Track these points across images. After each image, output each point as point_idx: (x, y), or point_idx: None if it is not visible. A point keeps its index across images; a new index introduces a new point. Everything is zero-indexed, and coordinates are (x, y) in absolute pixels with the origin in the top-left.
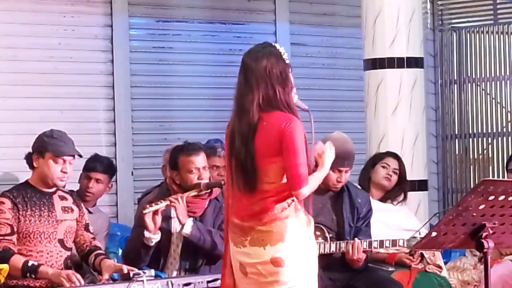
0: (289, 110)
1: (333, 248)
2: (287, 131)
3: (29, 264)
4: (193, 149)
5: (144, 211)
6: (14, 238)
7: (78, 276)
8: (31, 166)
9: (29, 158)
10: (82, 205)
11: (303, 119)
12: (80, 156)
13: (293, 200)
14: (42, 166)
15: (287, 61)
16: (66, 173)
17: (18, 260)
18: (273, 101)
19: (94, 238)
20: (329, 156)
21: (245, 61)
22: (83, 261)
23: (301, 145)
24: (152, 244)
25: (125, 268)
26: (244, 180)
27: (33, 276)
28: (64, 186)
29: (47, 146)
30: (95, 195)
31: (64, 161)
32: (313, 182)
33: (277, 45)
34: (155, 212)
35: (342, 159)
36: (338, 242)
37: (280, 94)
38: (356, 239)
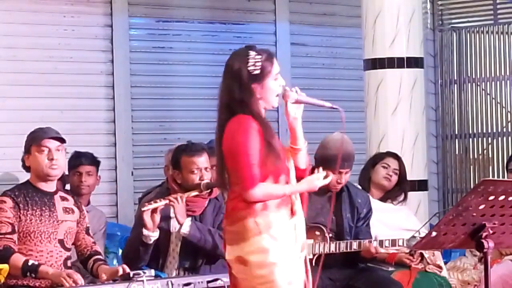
0: (251, 113)
1: (333, 248)
2: (235, 134)
3: (29, 264)
4: (196, 150)
5: (143, 209)
6: (14, 237)
7: (79, 275)
8: (27, 169)
9: (23, 162)
10: (83, 207)
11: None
12: (63, 140)
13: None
14: (32, 161)
15: (257, 65)
16: (54, 159)
17: (18, 259)
18: (237, 104)
19: (94, 243)
20: (315, 181)
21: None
22: (82, 265)
23: (251, 146)
24: (151, 242)
25: (121, 269)
26: (218, 180)
27: (33, 275)
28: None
29: (30, 141)
30: (90, 188)
31: (49, 149)
32: (273, 190)
33: (252, 51)
34: (153, 210)
35: (342, 161)
36: (338, 242)
37: (243, 97)
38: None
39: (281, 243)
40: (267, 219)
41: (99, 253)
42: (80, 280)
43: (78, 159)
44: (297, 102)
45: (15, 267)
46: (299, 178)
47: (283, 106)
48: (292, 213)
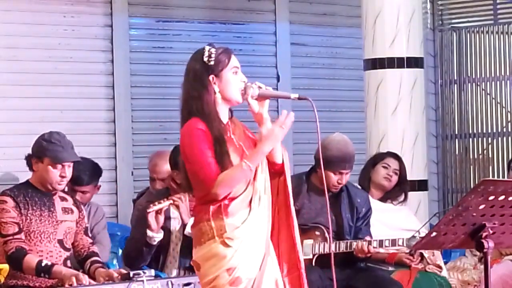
0: (202, 111)
1: (333, 248)
2: (184, 139)
3: (43, 264)
4: None
5: (148, 210)
6: (22, 236)
7: (86, 277)
8: (31, 169)
9: (28, 161)
10: (82, 207)
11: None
12: (80, 160)
13: (210, 205)
14: (41, 170)
15: (212, 56)
16: (65, 177)
17: (32, 260)
18: (193, 100)
19: (92, 243)
20: (276, 130)
21: None
22: (79, 265)
23: (199, 148)
24: (155, 243)
25: (115, 273)
26: (183, 183)
27: (47, 276)
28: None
29: (45, 151)
30: (83, 204)
31: (63, 166)
32: (231, 173)
33: (207, 46)
34: (158, 211)
35: (343, 162)
36: (337, 242)
37: (198, 91)
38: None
39: (235, 249)
40: (221, 223)
41: (96, 255)
42: (86, 281)
43: (76, 178)
44: (260, 97)
45: (29, 267)
46: (276, 174)
47: (283, 106)
48: (250, 208)
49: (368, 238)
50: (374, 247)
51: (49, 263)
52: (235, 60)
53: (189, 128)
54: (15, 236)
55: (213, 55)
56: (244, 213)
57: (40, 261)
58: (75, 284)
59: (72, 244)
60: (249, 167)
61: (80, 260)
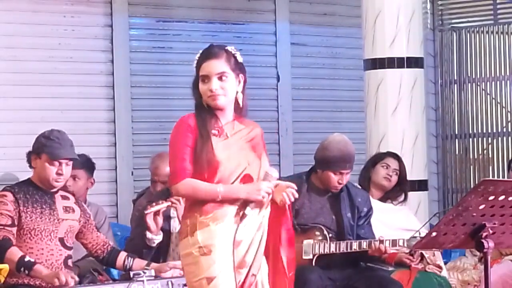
0: (196, 108)
1: (333, 248)
2: (172, 132)
3: (25, 260)
4: None
5: (146, 212)
6: (14, 230)
7: (73, 276)
8: (30, 166)
9: (28, 158)
10: (85, 206)
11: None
12: (77, 158)
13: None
14: (39, 167)
15: (195, 60)
16: (62, 174)
17: (15, 253)
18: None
19: (106, 238)
20: (255, 193)
21: None
22: (103, 264)
23: (179, 142)
24: (154, 244)
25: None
26: None
27: (27, 272)
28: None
29: (43, 147)
30: (78, 192)
31: (60, 163)
32: (200, 187)
33: (200, 52)
34: (156, 213)
35: (343, 162)
36: (338, 242)
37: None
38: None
39: (211, 256)
40: (195, 221)
41: (119, 249)
42: (72, 282)
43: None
44: None
45: (10, 260)
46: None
47: (283, 106)
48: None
49: (381, 238)
50: (384, 247)
51: (32, 260)
52: (208, 67)
53: (180, 121)
54: (6, 228)
55: (196, 59)
56: (227, 224)
57: (23, 256)
58: (57, 284)
59: (86, 245)
60: (219, 195)
61: (104, 259)
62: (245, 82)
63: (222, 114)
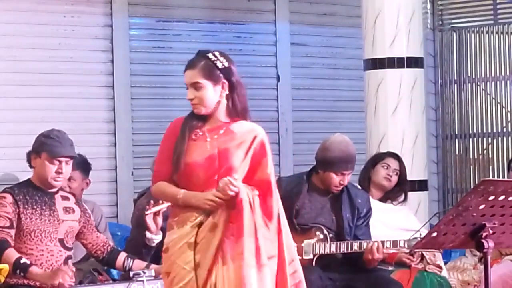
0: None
1: (333, 248)
2: None
3: (21, 261)
4: None
5: (146, 212)
6: (12, 232)
7: (71, 275)
8: (30, 165)
9: (28, 157)
10: (86, 206)
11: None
12: (76, 157)
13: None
14: (39, 166)
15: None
16: (61, 173)
17: (12, 254)
18: None
19: (107, 238)
20: (202, 201)
21: None
22: (103, 265)
23: (162, 144)
24: (154, 244)
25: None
26: None
27: (22, 274)
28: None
29: (43, 146)
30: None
31: (60, 162)
32: (165, 190)
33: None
34: (156, 213)
35: (345, 163)
36: (338, 242)
37: None
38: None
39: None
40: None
41: (119, 249)
42: (69, 282)
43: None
44: None
45: (7, 262)
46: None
47: (283, 106)
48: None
49: (379, 241)
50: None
51: (28, 262)
52: (185, 77)
53: (170, 124)
54: (4, 229)
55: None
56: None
57: (19, 258)
58: (56, 283)
59: (85, 245)
60: (179, 201)
61: (104, 259)
62: (233, 86)
63: (209, 118)
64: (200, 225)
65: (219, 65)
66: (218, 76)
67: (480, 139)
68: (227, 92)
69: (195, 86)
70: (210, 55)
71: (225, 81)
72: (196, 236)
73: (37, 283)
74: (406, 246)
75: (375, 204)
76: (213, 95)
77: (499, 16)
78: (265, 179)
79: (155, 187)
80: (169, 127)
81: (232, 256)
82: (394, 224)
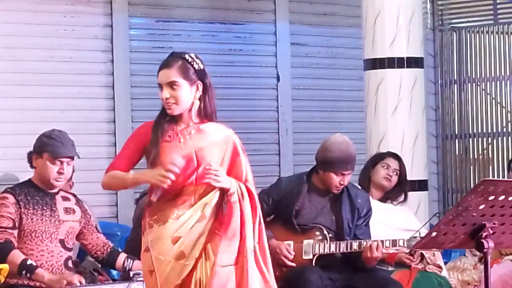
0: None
1: (333, 248)
2: None
3: (28, 263)
4: None
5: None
6: (15, 232)
7: (80, 277)
8: (32, 166)
9: (29, 158)
10: (86, 207)
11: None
12: (78, 157)
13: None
14: (40, 166)
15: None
16: (63, 174)
17: (17, 256)
18: None
19: (106, 239)
20: (148, 175)
21: None
22: (103, 265)
23: (127, 141)
24: None
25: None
26: None
27: (28, 275)
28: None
29: (45, 146)
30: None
31: (62, 162)
32: (114, 176)
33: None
34: None
35: (345, 163)
36: (338, 242)
37: None
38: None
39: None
40: (145, 221)
41: (119, 250)
42: (78, 282)
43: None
44: None
45: (13, 263)
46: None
47: (283, 105)
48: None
49: (378, 240)
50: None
51: (34, 264)
52: (160, 76)
53: (139, 126)
54: (7, 230)
55: None
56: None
57: (25, 259)
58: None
59: (86, 246)
60: (128, 181)
61: (104, 260)
62: (206, 88)
63: (180, 119)
64: (181, 219)
65: (196, 66)
66: (193, 77)
67: (480, 139)
68: (200, 93)
69: (172, 85)
70: (186, 56)
71: (199, 82)
72: (179, 230)
73: (37, 284)
74: (405, 245)
75: (375, 204)
76: (189, 95)
77: (499, 16)
78: (240, 178)
79: (105, 177)
80: (136, 129)
81: (215, 252)
82: (394, 224)
